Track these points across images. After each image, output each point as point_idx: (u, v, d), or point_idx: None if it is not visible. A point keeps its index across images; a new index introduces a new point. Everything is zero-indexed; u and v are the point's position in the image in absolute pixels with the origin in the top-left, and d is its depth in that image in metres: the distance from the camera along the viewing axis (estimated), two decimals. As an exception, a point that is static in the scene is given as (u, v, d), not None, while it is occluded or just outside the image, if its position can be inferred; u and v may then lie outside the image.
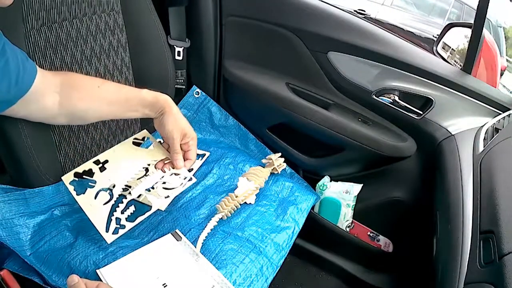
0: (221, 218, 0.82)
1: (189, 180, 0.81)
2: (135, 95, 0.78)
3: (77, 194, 0.77)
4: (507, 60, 4.04)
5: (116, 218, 0.74)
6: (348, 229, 1.16)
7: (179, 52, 1.12)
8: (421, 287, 0.99)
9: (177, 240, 0.76)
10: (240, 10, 1.11)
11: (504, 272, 0.54)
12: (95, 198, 0.77)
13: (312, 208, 1.07)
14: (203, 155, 1.02)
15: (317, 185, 1.14)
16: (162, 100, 0.79)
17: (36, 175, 0.79)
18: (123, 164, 0.83)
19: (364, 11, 3.67)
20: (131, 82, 0.96)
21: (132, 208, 0.76)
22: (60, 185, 0.83)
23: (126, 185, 0.80)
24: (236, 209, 0.85)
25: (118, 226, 0.73)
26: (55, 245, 0.75)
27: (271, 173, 0.99)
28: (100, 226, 0.73)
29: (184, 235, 0.78)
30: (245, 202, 0.88)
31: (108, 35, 0.88)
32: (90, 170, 0.81)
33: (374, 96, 1.04)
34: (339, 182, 1.14)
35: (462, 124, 1.00)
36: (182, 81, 1.16)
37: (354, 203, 1.13)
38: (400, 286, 1.17)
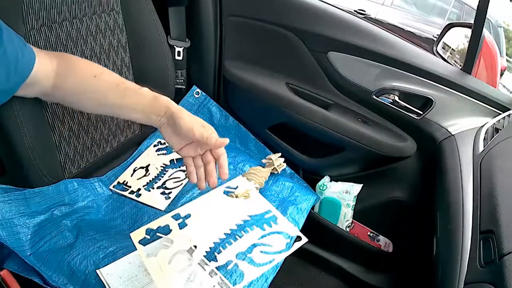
0: (221, 218, 0.82)
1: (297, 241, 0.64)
2: (134, 89, 0.71)
3: (147, 256, 0.63)
4: (507, 60, 4.04)
5: None
6: (348, 229, 1.16)
7: (179, 52, 1.12)
8: (421, 287, 0.99)
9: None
10: (240, 10, 1.11)
11: (504, 272, 0.54)
12: (169, 262, 0.62)
13: (312, 208, 1.07)
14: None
15: (317, 185, 1.14)
16: (164, 100, 0.71)
17: (36, 175, 0.79)
18: (209, 219, 0.67)
19: (364, 11, 3.67)
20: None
21: (214, 281, 0.58)
22: (60, 185, 0.83)
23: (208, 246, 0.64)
24: (236, 209, 0.85)
25: None
26: (55, 245, 0.75)
27: (271, 173, 0.99)
28: None
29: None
30: (245, 202, 0.87)
31: (108, 35, 0.88)
32: (167, 226, 0.66)
33: (374, 96, 1.04)
34: (339, 182, 1.14)
35: (462, 124, 1.00)
36: (182, 81, 1.16)
37: (354, 203, 1.13)
38: (400, 286, 1.17)
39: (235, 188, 0.79)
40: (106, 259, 0.72)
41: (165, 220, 0.67)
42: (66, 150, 0.85)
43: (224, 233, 0.65)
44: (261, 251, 0.63)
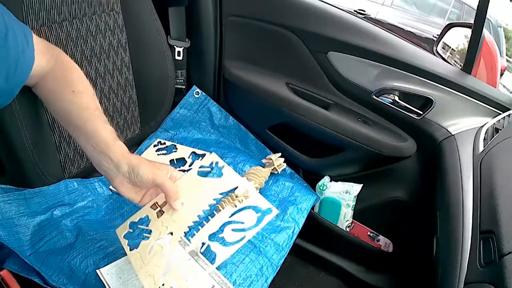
0: (221, 218, 0.82)
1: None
2: (102, 119, 0.66)
3: (130, 250, 0.65)
4: (507, 60, 4.04)
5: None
6: (348, 229, 1.16)
7: (179, 52, 1.12)
8: (421, 287, 0.99)
9: None
10: (240, 10, 1.11)
11: (504, 272, 0.54)
12: (149, 253, 0.63)
13: (312, 208, 1.07)
14: (203, 155, 1.02)
15: (317, 185, 1.14)
16: (121, 144, 0.65)
17: (36, 175, 0.79)
18: (184, 204, 0.66)
19: (364, 11, 3.68)
20: (131, 82, 0.96)
21: (191, 264, 0.60)
22: (60, 185, 0.83)
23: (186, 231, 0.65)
24: (236, 209, 0.85)
25: None
26: (55, 245, 0.75)
27: (271, 173, 0.99)
28: None
29: (184, 235, 0.77)
30: (245, 202, 0.88)
31: (108, 35, 0.88)
32: (146, 216, 0.67)
33: (374, 96, 1.04)
34: (339, 182, 1.14)
35: (462, 124, 1.00)
36: (182, 81, 1.16)
37: (354, 203, 1.13)
38: (400, 286, 1.17)
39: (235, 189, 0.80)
40: (106, 259, 0.72)
41: (145, 211, 0.67)
42: (66, 150, 0.85)
43: (198, 216, 0.65)
44: (232, 229, 0.65)
